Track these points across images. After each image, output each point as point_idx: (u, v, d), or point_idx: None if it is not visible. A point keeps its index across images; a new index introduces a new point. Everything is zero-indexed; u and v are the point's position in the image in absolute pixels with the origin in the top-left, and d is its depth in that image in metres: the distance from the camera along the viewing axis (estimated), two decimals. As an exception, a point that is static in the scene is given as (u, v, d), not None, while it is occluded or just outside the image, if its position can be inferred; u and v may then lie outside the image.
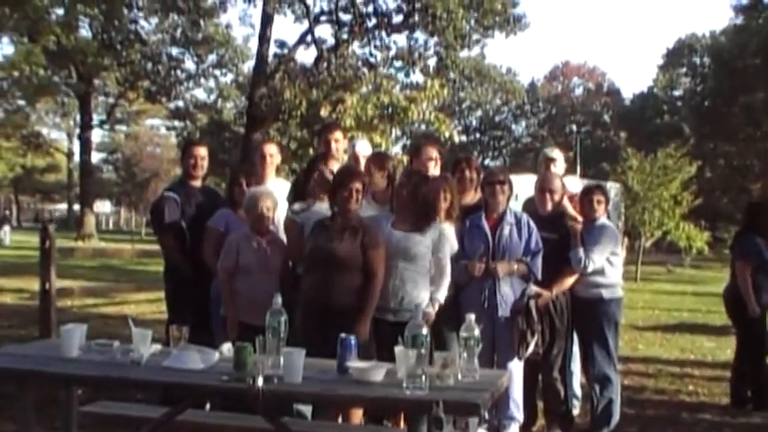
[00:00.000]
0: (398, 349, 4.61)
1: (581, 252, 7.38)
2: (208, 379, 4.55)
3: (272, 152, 8.17)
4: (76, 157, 66.25)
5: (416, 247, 6.56)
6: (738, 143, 58.30)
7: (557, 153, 8.77)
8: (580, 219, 7.73)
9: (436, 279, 6.62)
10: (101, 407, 5.94)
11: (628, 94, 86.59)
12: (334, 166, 7.34)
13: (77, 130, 63.32)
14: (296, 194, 7.49)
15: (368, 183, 6.82)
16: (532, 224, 7.28)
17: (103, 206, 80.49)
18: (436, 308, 6.56)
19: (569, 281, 7.49)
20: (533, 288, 7.22)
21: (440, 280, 6.62)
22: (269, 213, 6.89)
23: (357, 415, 6.47)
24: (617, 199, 17.20)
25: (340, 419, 6.46)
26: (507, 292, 7.15)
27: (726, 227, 51.48)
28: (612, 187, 15.94)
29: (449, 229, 6.86)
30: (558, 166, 8.52)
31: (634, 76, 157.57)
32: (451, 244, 6.84)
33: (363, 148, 8.17)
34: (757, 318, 8.81)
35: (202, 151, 8.13)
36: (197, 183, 8.10)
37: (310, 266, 6.47)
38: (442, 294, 6.61)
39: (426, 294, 6.54)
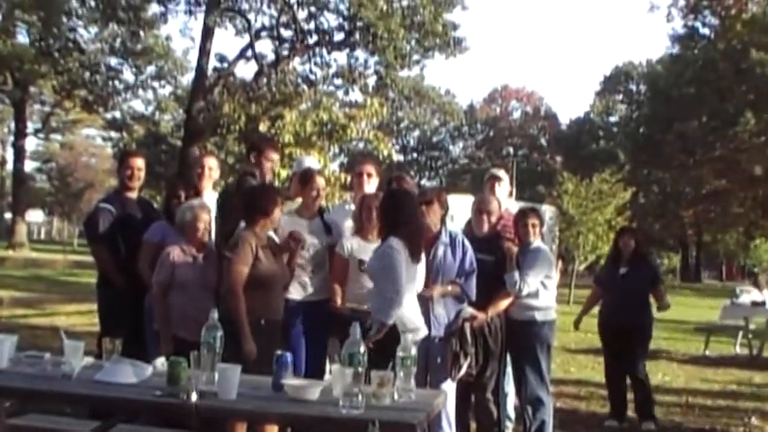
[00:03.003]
0: (335, 367, 4.60)
1: (516, 275, 7.41)
2: (140, 393, 4.49)
3: (212, 165, 8.15)
4: (9, 165, 65.34)
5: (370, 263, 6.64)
6: (672, 170, 59.05)
7: (503, 173, 8.83)
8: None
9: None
10: (29, 420, 5.85)
11: (565, 118, 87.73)
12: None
13: (11, 138, 62.41)
14: (224, 208, 7.44)
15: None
16: (467, 244, 7.28)
17: (36, 215, 79.43)
18: (379, 329, 6.20)
19: (504, 303, 7.51)
20: (468, 310, 7.22)
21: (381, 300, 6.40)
22: (206, 227, 6.85)
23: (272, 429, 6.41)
24: (552, 222, 17.23)
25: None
26: (441, 313, 7.13)
27: (658, 252, 52.08)
28: (548, 210, 15.99)
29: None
30: (504, 186, 8.58)
31: (571, 101, 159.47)
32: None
33: (314, 165, 8.25)
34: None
35: (140, 162, 8.06)
36: (133, 194, 8.02)
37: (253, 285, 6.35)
38: (385, 316, 6.25)
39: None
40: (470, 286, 7.21)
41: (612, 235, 33.04)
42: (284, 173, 14.07)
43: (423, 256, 6.63)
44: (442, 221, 7.32)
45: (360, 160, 8.47)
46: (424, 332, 6.56)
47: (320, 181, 7.65)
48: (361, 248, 6.98)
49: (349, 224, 7.53)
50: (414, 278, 6.52)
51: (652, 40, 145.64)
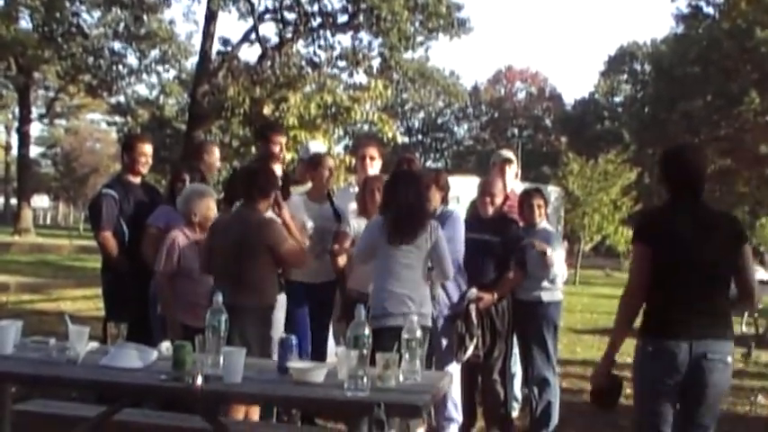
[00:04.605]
0: (339, 349, 4.59)
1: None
2: (146, 378, 4.49)
3: None
4: (14, 151, 65.27)
5: None
6: (677, 150, 58.91)
7: (513, 155, 8.79)
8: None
9: None
10: (35, 405, 5.84)
11: (569, 99, 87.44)
12: (276, 168, 7.34)
13: (16, 124, 62.32)
14: (231, 194, 7.44)
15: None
16: (460, 222, 7.28)
17: (41, 201, 79.59)
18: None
19: (512, 284, 7.50)
20: (474, 292, 7.21)
21: None
22: (212, 213, 6.82)
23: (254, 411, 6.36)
24: (557, 203, 17.21)
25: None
26: (439, 293, 7.10)
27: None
28: (553, 191, 15.99)
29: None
30: (513, 168, 8.55)
31: (576, 82, 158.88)
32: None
33: (321, 149, 8.29)
34: None
35: (148, 148, 8.04)
36: (136, 179, 7.98)
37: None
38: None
39: None
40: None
41: (618, 215, 33.37)
42: (289, 156, 14.04)
43: (417, 241, 6.37)
44: (444, 202, 7.32)
45: (363, 143, 8.50)
46: (397, 321, 5.99)
47: (330, 162, 7.73)
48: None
49: (353, 206, 7.53)
50: (389, 262, 6.35)
51: (656, 20, 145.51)
